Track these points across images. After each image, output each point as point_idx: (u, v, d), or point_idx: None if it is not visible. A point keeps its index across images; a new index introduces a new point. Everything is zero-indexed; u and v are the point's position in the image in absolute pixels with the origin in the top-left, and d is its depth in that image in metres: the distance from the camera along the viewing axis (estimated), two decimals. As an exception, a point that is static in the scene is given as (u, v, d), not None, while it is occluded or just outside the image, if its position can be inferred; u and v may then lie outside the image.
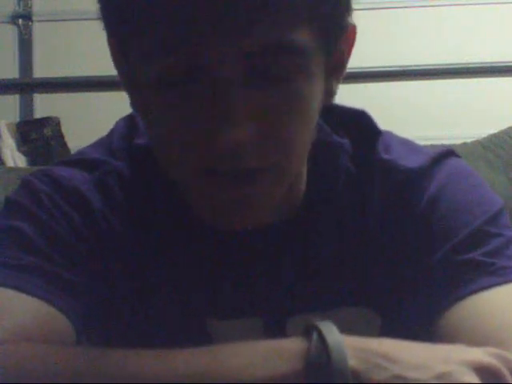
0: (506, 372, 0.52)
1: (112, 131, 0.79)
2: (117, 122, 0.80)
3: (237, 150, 0.59)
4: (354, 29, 0.68)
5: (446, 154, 0.77)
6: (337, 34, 0.65)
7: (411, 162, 0.75)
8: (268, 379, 0.51)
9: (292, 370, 0.51)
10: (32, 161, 2.67)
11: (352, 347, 0.52)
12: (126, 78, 0.68)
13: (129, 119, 0.79)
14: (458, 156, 0.79)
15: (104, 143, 0.78)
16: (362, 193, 0.75)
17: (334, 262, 0.75)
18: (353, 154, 0.76)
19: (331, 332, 0.52)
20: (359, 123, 0.78)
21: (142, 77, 0.62)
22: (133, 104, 0.69)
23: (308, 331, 0.54)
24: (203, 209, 0.67)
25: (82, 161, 0.77)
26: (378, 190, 0.75)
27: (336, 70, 0.68)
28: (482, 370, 0.52)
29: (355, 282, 0.75)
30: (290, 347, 0.53)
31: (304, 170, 0.75)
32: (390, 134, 0.79)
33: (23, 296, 0.66)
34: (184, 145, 0.62)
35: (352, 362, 0.51)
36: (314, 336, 0.52)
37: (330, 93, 0.68)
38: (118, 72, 0.69)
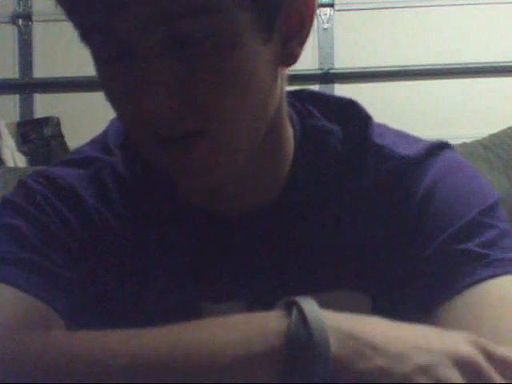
0: (483, 362, 0.52)
1: (107, 129, 0.81)
2: (111, 120, 0.81)
3: (160, 117, 0.61)
4: None
5: (442, 145, 0.77)
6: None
7: (406, 149, 0.75)
8: (247, 358, 0.51)
9: (271, 348, 0.51)
10: (32, 161, 2.67)
11: (334, 327, 0.52)
12: None
13: None
14: (452, 148, 0.79)
15: (99, 140, 0.80)
16: (353, 176, 0.75)
17: (322, 245, 0.75)
18: (343, 139, 0.76)
19: (312, 310, 0.52)
20: (349, 111, 0.78)
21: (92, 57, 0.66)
22: None
23: (288, 307, 0.54)
24: (168, 175, 0.69)
25: (76, 159, 0.78)
26: (370, 175, 0.75)
27: (297, 33, 0.67)
28: (461, 360, 0.52)
29: (345, 266, 0.74)
30: (268, 325, 0.53)
31: (284, 149, 0.75)
32: (383, 125, 0.79)
33: (15, 291, 0.66)
34: (128, 116, 0.65)
35: (333, 347, 0.50)
36: (294, 313, 0.52)
37: (291, 56, 0.67)
38: None
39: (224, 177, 0.68)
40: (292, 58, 0.68)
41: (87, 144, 0.81)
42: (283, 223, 0.75)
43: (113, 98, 0.66)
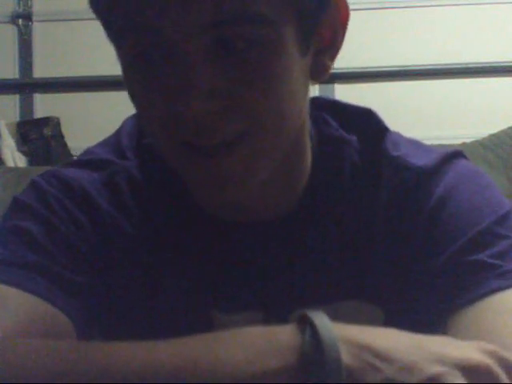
0: (498, 370, 0.52)
1: (120, 130, 0.80)
2: (124, 121, 0.80)
3: (202, 121, 0.60)
4: (345, 8, 0.68)
5: (455, 154, 0.77)
6: (314, 8, 0.64)
7: (420, 160, 0.75)
8: (261, 374, 0.51)
9: (285, 365, 0.51)
10: (32, 161, 2.68)
11: (345, 340, 0.51)
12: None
13: (136, 118, 0.80)
14: (466, 157, 0.79)
15: (112, 142, 0.79)
16: (368, 187, 0.75)
17: (336, 256, 0.75)
18: (360, 149, 0.76)
19: (324, 326, 0.52)
20: (366, 121, 0.78)
21: (120, 57, 0.64)
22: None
23: (302, 322, 0.53)
24: (192, 185, 0.68)
25: (90, 161, 0.77)
26: (385, 186, 0.75)
27: (329, 47, 0.68)
28: (474, 369, 0.51)
29: (358, 277, 0.74)
30: (283, 341, 0.52)
31: (304, 159, 0.75)
32: (397, 134, 0.79)
33: (24, 294, 0.66)
34: (159, 120, 0.63)
35: (346, 359, 0.50)
36: (308, 330, 0.52)
37: (322, 68, 0.68)
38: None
39: (252, 187, 0.67)
40: (323, 71, 0.69)
41: (99, 145, 0.79)
42: (298, 233, 0.75)
43: (142, 100, 0.64)
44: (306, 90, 0.69)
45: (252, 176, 0.66)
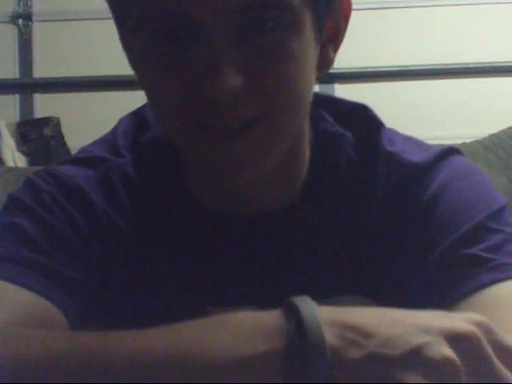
0: (484, 341, 0.51)
1: (115, 128, 0.80)
2: (120, 119, 0.81)
3: (225, 100, 0.62)
4: (348, 1, 0.71)
5: (450, 151, 0.78)
6: (326, 1, 0.68)
7: (416, 156, 0.76)
8: (248, 358, 0.51)
9: (271, 348, 0.51)
10: (32, 161, 2.67)
11: (329, 322, 0.52)
12: (129, 50, 0.70)
13: (132, 116, 0.81)
14: (461, 154, 0.79)
15: (107, 140, 0.79)
16: (363, 182, 0.76)
17: (333, 250, 0.75)
18: (355, 144, 0.77)
19: (309, 310, 0.52)
20: (361, 116, 0.79)
21: (139, 35, 0.65)
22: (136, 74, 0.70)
23: (288, 308, 0.54)
24: (201, 170, 0.69)
25: (85, 159, 0.78)
26: (380, 181, 0.76)
27: (332, 39, 0.71)
28: (460, 338, 0.51)
29: (355, 271, 0.75)
30: (270, 325, 0.53)
31: (304, 153, 0.76)
32: (393, 130, 0.80)
33: (19, 289, 0.66)
34: (174, 98, 0.64)
35: (329, 340, 0.51)
36: (293, 315, 0.53)
37: (326, 60, 0.71)
38: (127, 52, 0.72)
39: (265, 170, 0.69)
40: (327, 62, 0.71)
41: (95, 143, 0.80)
42: (296, 228, 0.75)
43: (160, 82, 0.65)
44: (314, 81, 0.70)
45: (266, 158, 0.67)
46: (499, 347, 0.51)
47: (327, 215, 0.76)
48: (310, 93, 0.70)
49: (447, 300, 0.67)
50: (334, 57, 0.72)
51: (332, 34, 0.71)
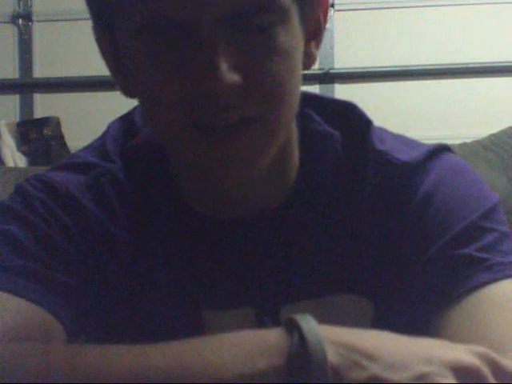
0: (487, 373, 0.52)
1: (104, 133, 0.80)
2: (109, 124, 0.81)
3: (224, 96, 0.62)
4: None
5: (441, 149, 0.77)
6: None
7: (406, 155, 0.76)
8: (249, 375, 0.51)
9: (273, 366, 0.52)
10: (32, 161, 2.67)
11: (332, 341, 0.52)
12: (112, 54, 0.72)
13: (122, 121, 0.81)
14: (451, 151, 0.79)
15: (97, 146, 0.79)
16: (353, 181, 0.76)
17: (325, 250, 0.75)
18: (344, 143, 0.77)
19: (311, 328, 0.52)
20: (349, 115, 0.79)
21: (129, 34, 0.66)
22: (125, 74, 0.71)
23: (289, 325, 0.54)
24: (196, 170, 0.69)
25: (75, 164, 0.78)
26: (370, 180, 0.75)
27: (315, 34, 0.72)
28: (463, 370, 0.51)
29: (347, 270, 0.75)
30: (271, 343, 0.53)
31: (293, 153, 0.76)
32: (382, 128, 0.80)
33: (12, 298, 0.66)
34: (172, 98, 0.64)
35: (331, 359, 0.51)
36: (295, 332, 0.53)
37: (310, 57, 0.71)
38: (104, 56, 0.74)
39: (260, 169, 0.69)
40: (311, 59, 0.71)
41: (85, 149, 0.80)
42: (287, 229, 0.75)
43: (154, 83, 0.65)
44: (301, 78, 0.70)
45: (261, 158, 0.67)
46: (503, 375, 0.52)
47: (318, 215, 0.75)
48: (299, 89, 0.70)
49: (442, 301, 0.67)
50: (317, 54, 0.72)
51: (313, 31, 0.71)
